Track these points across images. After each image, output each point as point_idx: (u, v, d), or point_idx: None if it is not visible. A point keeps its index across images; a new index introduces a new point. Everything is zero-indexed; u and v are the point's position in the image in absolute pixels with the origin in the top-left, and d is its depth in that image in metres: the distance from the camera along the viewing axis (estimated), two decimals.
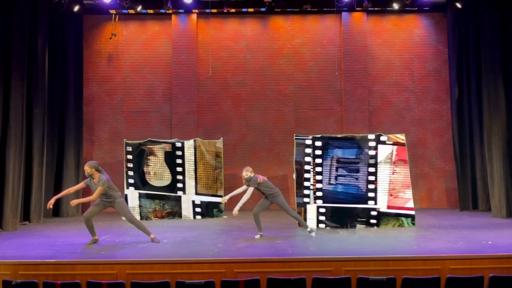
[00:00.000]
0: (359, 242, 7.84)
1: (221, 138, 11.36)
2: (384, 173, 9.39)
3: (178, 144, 10.88)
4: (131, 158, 10.67)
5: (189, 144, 10.90)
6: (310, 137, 9.62)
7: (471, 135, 11.57)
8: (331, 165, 9.44)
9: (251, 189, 8.32)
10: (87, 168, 7.73)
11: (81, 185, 8.00)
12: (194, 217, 10.81)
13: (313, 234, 8.39)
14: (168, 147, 10.85)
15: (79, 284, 5.53)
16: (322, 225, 9.37)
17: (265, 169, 12.42)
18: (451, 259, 6.44)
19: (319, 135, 9.68)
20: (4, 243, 8.05)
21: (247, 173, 8.38)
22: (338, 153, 9.47)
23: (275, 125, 12.61)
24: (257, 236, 8.31)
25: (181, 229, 9.39)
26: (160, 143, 10.86)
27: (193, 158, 10.89)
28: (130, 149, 10.72)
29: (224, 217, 10.92)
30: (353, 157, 9.43)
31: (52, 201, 7.68)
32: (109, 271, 6.36)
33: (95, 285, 5.53)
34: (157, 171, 10.79)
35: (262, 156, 12.49)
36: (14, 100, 9.79)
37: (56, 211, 11.56)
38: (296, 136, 9.72)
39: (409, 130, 12.43)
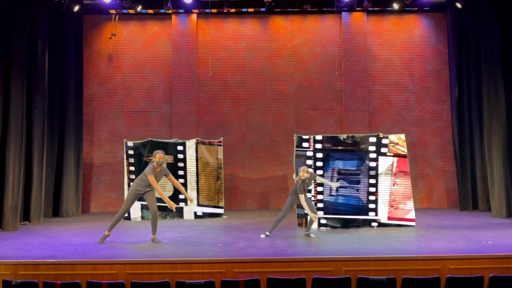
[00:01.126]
0: (359, 242, 7.84)
1: (221, 138, 11.34)
2: (384, 184, 9.40)
3: (180, 155, 10.79)
4: (134, 170, 10.63)
5: (190, 144, 10.86)
6: (311, 148, 9.56)
7: (471, 135, 11.56)
8: (332, 176, 9.46)
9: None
10: (163, 157, 7.88)
11: (154, 182, 7.88)
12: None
13: (312, 235, 8.39)
14: (170, 159, 10.80)
15: (79, 284, 5.53)
16: (323, 221, 9.36)
17: (265, 169, 12.44)
18: (451, 259, 6.45)
19: (320, 147, 9.56)
20: (4, 243, 8.05)
21: (304, 173, 8.22)
22: (339, 164, 9.49)
23: (275, 125, 12.61)
24: (263, 236, 8.31)
25: (181, 229, 9.40)
26: (160, 147, 10.76)
27: (195, 169, 10.87)
28: (132, 160, 10.64)
29: (224, 217, 10.91)
30: (354, 168, 9.45)
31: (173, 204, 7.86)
32: (109, 271, 6.36)
33: (95, 285, 5.53)
34: (159, 183, 10.73)
35: (262, 156, 12.49)
36: (14, 100, 9.79)
37: (56, 211, 11.58)
38: (296, 148, 9.60)
39: (409, 130, 12.43)
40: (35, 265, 6.47)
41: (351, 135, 9.73)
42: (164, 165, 8.21)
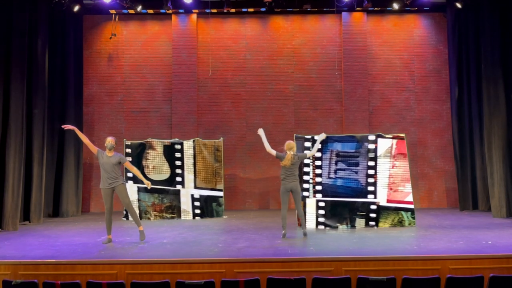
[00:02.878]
0: (359, 242, 7.83)
1: (221, 138, 11.36)
2: (383, 167, 9.37)
3: (178, 146, 10.87)
4: (130, 151, 10.71)
5: (188, 144, 10.92)
6: (310, 137, 9.64)
7: (471, 135, 11.56)
8: (330, 159, 9.43)
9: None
10: (112, 141, 7.90)
11: (94, 148, 7.94)
12: (193, 213, 10.78)
13: (305, 236, 8.28)
14: (167, 142, 10.86)
15: (79, 284, 5.53)
16: (321, 227, 9.35)
17: (265, 169, 12.43)
18: (451, 259, 6.44)
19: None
20: (4, 243, 8.05)
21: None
22: (338, 147, 9.47)
23: (275, 125, 12.61)
24: (284, 232, 8.24)
25: (181, 229, 9.40)
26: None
27: (192, 152, 10.89)
28: (130, 151, 10.75)
29: (224, 217, 10.92)
30: (353, 151, 9.42)
31: (70, 127, 7.96)
32: (109, 271, 6.36)
33: (95, 285, 5.53)
34: (156, 165, 10.79)
35: (262, 156, 12.47)
36: (14, 100, 9.79)
37: (56, 211, 11.58)
38: (296, 134, 9.75)
39: (409, 130, 12.43)
40: (35, 265, 6.47)
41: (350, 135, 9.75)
42: (119, 154, 8.07)
